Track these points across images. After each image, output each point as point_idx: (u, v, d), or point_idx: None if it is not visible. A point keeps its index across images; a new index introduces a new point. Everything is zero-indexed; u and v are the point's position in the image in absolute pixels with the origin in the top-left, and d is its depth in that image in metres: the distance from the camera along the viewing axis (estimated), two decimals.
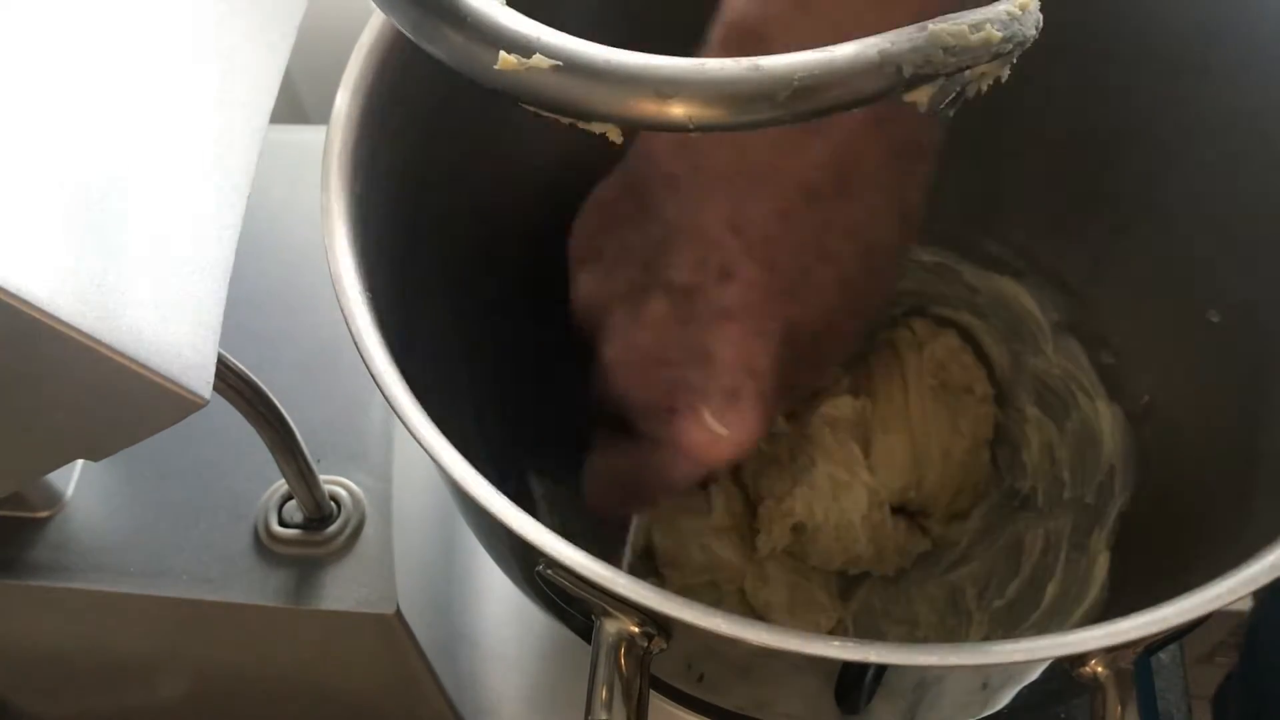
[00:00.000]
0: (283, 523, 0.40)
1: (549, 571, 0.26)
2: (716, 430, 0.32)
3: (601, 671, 0.26)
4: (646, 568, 0.44)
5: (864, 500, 0.43)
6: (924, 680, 0.28)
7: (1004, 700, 0.30)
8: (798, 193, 0.31)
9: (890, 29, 0.22)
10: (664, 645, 0.26)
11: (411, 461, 0.42)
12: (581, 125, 0.22)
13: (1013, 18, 0.22)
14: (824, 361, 0.35)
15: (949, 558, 0.45)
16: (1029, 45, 0.22)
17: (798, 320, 0.33)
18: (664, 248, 0.33)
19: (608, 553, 0.34)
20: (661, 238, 0.33)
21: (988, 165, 0.46)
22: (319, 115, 0.57)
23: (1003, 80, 0.23)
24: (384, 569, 0.39)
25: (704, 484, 0.44)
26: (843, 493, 0.43)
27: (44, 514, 0.41)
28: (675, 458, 0.33)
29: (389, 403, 0.27)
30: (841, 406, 0.44)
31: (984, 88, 0.23)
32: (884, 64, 0.21)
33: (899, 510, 0.45)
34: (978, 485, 0.46)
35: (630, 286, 0.34)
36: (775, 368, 0.33)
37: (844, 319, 0.34)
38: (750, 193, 0.31)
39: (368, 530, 0.40)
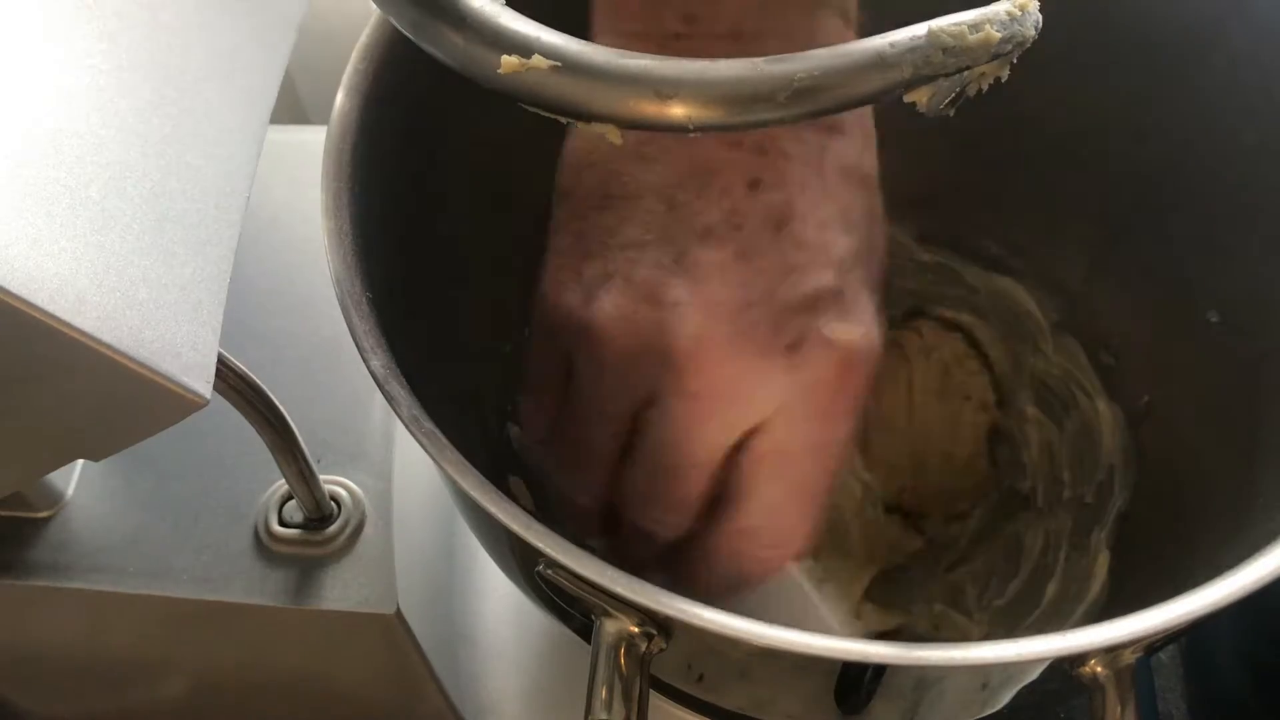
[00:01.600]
0: (283, 523, 0.40)
1: (549, 571, 0.26)
2: (855, 331, 0.28)
3: (601, 671, 0.26)
4: None
5: (858, 494, 0.43)
6: (924, 680, 0.28)
7: (1004, 700, 0.30)
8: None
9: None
10: (664, 645, 0.26)
11: (411, 461, 0.42)
12: (582, 126, 0.22)
13: (1012, 18, 0.22)
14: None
15: (949, 557, 0.45)
16: (1028, 45, 0.23)
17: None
18: (671, 210, 0.29)
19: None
20: (657, 207, 0.29)
21: (988, 165, 0.46)
22: (319, 115, 0.57)
23: (1003, 80, 0.23)
24: (384, 569, 0.39)
25: None
26: (836, 488, 0.42)
27: (44, 514, 0.40)
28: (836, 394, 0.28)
29: (389, 403, 0.27)
30: None
31: (984, 87, 0.23)
32: (884, 64, 0.21)
33: (894, 509, 0.45)
34: (977, 488, 0.46)
35: (654, 266, 0.29)
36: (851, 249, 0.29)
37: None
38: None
39: (368, 530, 0.40)
